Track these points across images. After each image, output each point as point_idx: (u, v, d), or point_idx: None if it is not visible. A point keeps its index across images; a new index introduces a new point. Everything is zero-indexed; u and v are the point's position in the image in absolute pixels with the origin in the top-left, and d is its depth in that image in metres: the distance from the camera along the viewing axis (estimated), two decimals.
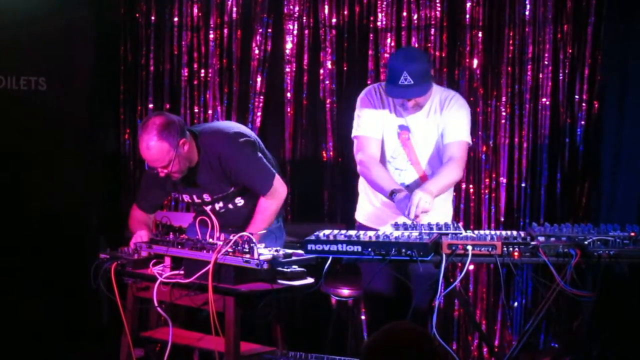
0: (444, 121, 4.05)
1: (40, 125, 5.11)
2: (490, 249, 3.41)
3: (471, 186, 5.24)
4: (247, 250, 3.46)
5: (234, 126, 4.26)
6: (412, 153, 4.09)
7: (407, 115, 4.05)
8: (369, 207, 4.20)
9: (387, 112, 4.09)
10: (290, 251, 3.60)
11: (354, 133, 4.14)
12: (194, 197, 4.18)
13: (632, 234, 3.42)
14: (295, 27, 5.45)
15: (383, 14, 5.33)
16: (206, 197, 4.15)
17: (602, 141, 4.99)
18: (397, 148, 4.10)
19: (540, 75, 5.13)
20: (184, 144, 3.95)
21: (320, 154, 5.48)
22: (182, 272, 3.63)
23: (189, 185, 4.13)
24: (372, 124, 4.09)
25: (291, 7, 5.44)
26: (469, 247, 3.40)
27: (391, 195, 3.92)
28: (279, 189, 4.13)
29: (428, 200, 3.73)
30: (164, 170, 3.96)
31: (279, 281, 3.56)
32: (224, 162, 4.04)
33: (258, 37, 5.46)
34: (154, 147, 3.89)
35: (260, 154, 4.14)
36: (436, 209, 3.86)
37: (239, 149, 4.07)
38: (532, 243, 3.44)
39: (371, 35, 5.35)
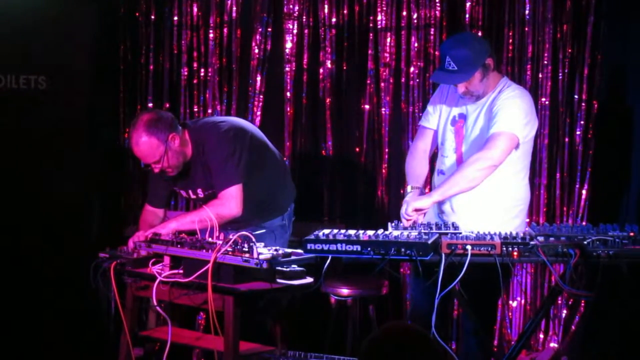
0: (494, 111, 3.92)
1: (40, 124, 5.11)
2: (489, 249, 3.41)
3: None
4: (247, 249, 3.46)
5: (229, 121, 4.21)
6: (460, 142, 4.08)
7: (468, 104, 4.05)
8: None
9: (449, 102, 4.13)
10: (289, 250, 3.60)
11: None
12: (190, 192, 4.18)
13: (631, 233, 3.43)
14: (295, 26, 5.45)
15: (383, 14, 5.33)
16: (200, 193, 4.14)
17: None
18: (448, 136, 4.12)
19: (540, 75, 5.13)
20: (174, 138, 3.94)
21: (319, 153, 5.48)
22: (181, 271, 3.64)
23: (184, 179, 4.13)
24: (430, 115, 4.22)
25: (291, 6, 5.44)
26: (469, 247, 3.41)
27: (406, 189, 4.12)
28: (231, 201, 3.96)
29: (410, 206, 3.81)
30: (157, 166, 3.97)
31: (279, 280, 3.56)
32: (206, 151, 4.03)
33: (258, 37, 5.46)
34: (143, 144, 3.92)
35: (242, 157, 4.02)
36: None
37: (221, 142, 4.02)
38: (532, 243, 3.44)
39: (371, 34, 5.35)
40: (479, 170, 3.81)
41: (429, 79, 4.08)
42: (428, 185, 4.59)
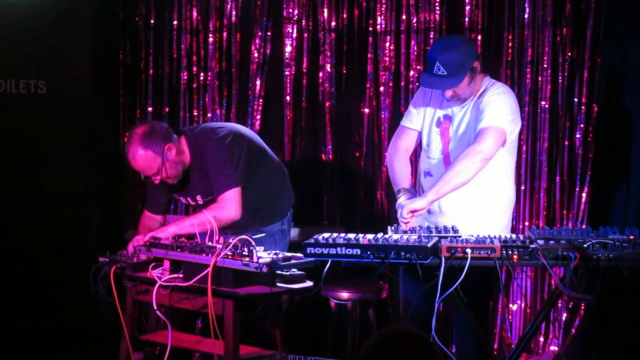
0: (481, 108, 3.91)
1: (39, 129, 5.11)
2: (489, 252, 3.41)
3: None
4: (247, 253, 3.46)
5: (227, 126, 4.21)
6: (447, 143, 4.07)
7: (453, 106, 4.04)
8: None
9: (433, 103, 4.11)
10: (289, 254, 3.60)
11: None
12: (189, 199, 4.19)
13: (631, 237, 3.43)
14: (295, 30, 5.45)
15: (382, 17, 5.33)
16: (199, 199, 4.15)
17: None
18: (433, 137, 4.11)
19: (540, 78, 5.13)
20: (170, 148, 3.95)
21: (319, 157, 5.48)
22: (181, 275, 3.63)
23: (183, 186, 4.14)
24: (414, 116, 4.20)
25: (290, 10, 5.45)
26: (468, 250, 3.40)
27: (398, 192, 4.08)
28: (229, 204, 3.95)
29: (405, 209, 3.78)
30: (156, 177, 3.98)
31: (278, 284, 3.56)
32: (204, 157, 4.03)
33: (257, 40, 5.46)
34: (140, 157, 3.93)
35: (240, 161, 4.02)
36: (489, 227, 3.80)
37: (219, 147, 4.02)
38: (532, 246, 3.44)
39: (370, 38, 5.35)
40: (471, 163, 3.79)
41: (419, 83, 4.07)
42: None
